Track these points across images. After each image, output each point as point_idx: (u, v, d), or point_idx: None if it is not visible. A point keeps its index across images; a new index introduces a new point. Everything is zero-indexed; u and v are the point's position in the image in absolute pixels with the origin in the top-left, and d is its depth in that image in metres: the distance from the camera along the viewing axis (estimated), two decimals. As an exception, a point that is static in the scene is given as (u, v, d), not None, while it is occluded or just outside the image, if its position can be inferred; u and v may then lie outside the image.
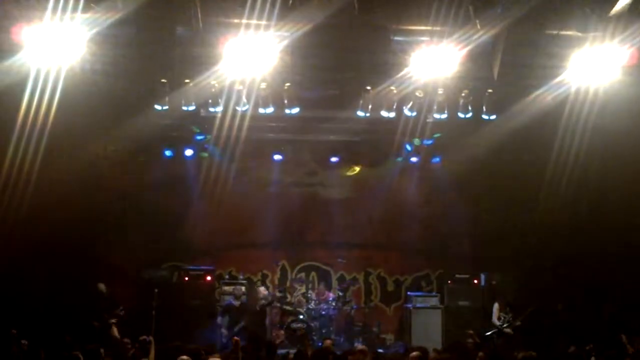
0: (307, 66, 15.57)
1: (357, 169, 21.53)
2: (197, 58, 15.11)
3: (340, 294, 20.19)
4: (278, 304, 19.67)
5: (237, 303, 18.83)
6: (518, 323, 17.60)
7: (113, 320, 16.67)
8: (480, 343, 15.25)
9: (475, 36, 14.22)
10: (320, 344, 16.81)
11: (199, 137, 19.83)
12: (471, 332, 16.50)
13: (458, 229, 21.18)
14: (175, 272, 19.38)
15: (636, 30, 13.93)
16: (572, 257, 19.00)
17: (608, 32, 14.04)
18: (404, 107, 16.98)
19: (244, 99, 16.31)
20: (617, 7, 13.81)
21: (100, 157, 19.26)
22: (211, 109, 16.91)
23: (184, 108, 16.69)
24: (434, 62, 14.61)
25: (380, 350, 16.87)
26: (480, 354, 12.40)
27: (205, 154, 20.39)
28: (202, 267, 19.54)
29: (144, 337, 13.09)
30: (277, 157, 20.98)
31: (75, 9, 12.98)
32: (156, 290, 18.11)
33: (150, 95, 16.30)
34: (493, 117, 17.11)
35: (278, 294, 19.92)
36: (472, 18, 14.04)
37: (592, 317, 17.96)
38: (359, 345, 15.84)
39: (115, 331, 16.58)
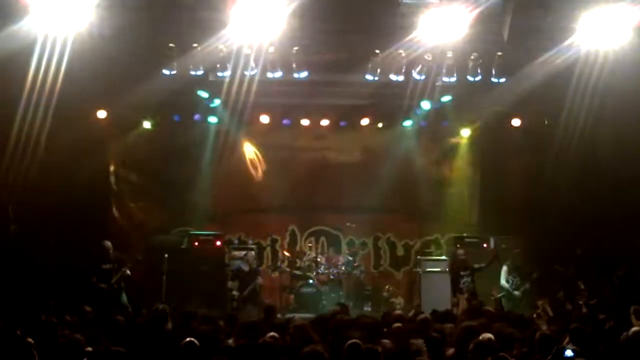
0: (315, 30, 15.48)
1: None
2: (205, 22, 15.04)
3: (350, 258, 20.19)
4: (287, 269, 19.76)
5: (246, 268, 18.86)
6: (527, 286, 17.68)
7: (122, 284, 16.75)
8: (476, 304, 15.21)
9: (485, -2, 14.12)
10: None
11: (207, 102, 19.75)
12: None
13: (467, 193, 21.15)
14: (185, 237, 19.38)
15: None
16: (581, 221, 18.97)
17: (620, -8, 13.90)
18: (413, 71, 16.94)
19: (252, 63, 16.26)
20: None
21: (109, 122, 19.25)
22: (219, 74, 16.90)
23: (192, 73, 16.70)
24: (443, 25, 14.51)
25: None
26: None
27: (214, 119, 20.34)
28: (212, 232, 19.54)
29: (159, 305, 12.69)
30: (285, 121, 20.92)
31: (82, -27, 12.95)
32: (166, 255, 18.18)
33: (158, 60, 16.27)
34: (502, 80, 17.05)
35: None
36: (482, -21, 13.93)
37: (601, 282, 17.91)
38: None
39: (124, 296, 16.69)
